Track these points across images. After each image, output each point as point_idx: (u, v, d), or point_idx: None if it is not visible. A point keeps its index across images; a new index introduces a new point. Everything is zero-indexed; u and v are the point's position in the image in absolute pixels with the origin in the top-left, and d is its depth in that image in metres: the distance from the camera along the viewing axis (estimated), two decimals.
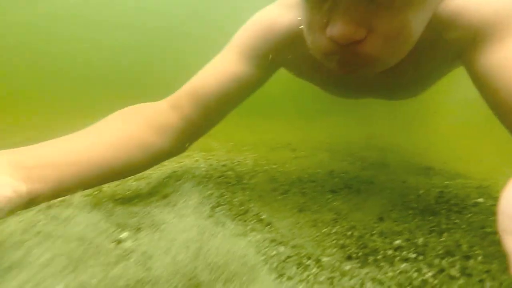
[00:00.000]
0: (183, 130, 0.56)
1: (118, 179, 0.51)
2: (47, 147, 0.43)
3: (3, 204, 0.33)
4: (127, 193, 0.57)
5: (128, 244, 0.35)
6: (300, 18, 0.51)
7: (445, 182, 0.73)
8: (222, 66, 0.59)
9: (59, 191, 0.39)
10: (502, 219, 0.21)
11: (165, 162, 0.71)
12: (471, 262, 0.38)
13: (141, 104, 0.56)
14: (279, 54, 0.59)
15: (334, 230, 0.47)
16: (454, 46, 0.51)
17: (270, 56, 0.59)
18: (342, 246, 0.43)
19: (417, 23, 0.42)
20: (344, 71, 0.46)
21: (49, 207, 0.36)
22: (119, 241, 0.36)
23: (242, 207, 0.53)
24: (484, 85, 0.46)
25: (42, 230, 0.32)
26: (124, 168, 0.48)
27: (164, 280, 0.30)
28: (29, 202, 0.37)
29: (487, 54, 0.45)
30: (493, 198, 0.61)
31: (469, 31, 0.47)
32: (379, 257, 0.40)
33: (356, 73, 0.46)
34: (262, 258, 0.37)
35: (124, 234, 0.38)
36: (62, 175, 0.41)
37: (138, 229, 0.40)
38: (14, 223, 0.33)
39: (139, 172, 0.54)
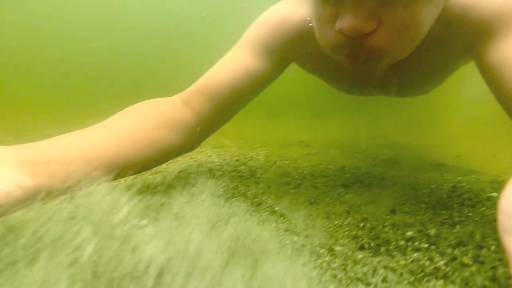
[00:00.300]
0: (195, 126, 0.56)
1: (130, 174, 0.50)
2: (55, 142, 0.42)
3: (5, 199, 0.32)
4: (144, 185, 0.58)
5: (148, 230, 0.37)
6: (309, 18, 0.52)
7: (458, 178, 0.72)
8: (234, 62, 0.59)
9: (67, 187, 0.39)
10: (502, 219, 0.21)
11: (179, 158, 0.72)
12: (484, 251, 0.38)
13: (153, 99, 0.56)
14: (290, 49, 0.60)
15: (346, 222, 0.48)
16: (464, 40, 0.51)
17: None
18: (355, 237, 0.44)
19: (427, 17, 0.42)
20: (353, 64, 0.46)
21: (72, 196, 0.38)
22: (139, 227, 0.37)
23: (256, 199, 0.54)
24: (492, 78, 0.46)
25: (68, 216, 0.33)
26: (136, 163, 0.48)
27: (181, 263, 0.31)
28: (36, 197, 0.36)
29: (496, 47, 0.45)
30: None
31: (479, 25, 0.47)
32: (391, 247, 0.41)
33: (365, 66, 0.47)
34: (276, 245, 0.38)
35: (144, 221, 0.39)
36: (70, 170, 0.40)
37: (156, 218, 0.42)
38: (40, 210, 0.34)
39: (152, 167, 0.54)
